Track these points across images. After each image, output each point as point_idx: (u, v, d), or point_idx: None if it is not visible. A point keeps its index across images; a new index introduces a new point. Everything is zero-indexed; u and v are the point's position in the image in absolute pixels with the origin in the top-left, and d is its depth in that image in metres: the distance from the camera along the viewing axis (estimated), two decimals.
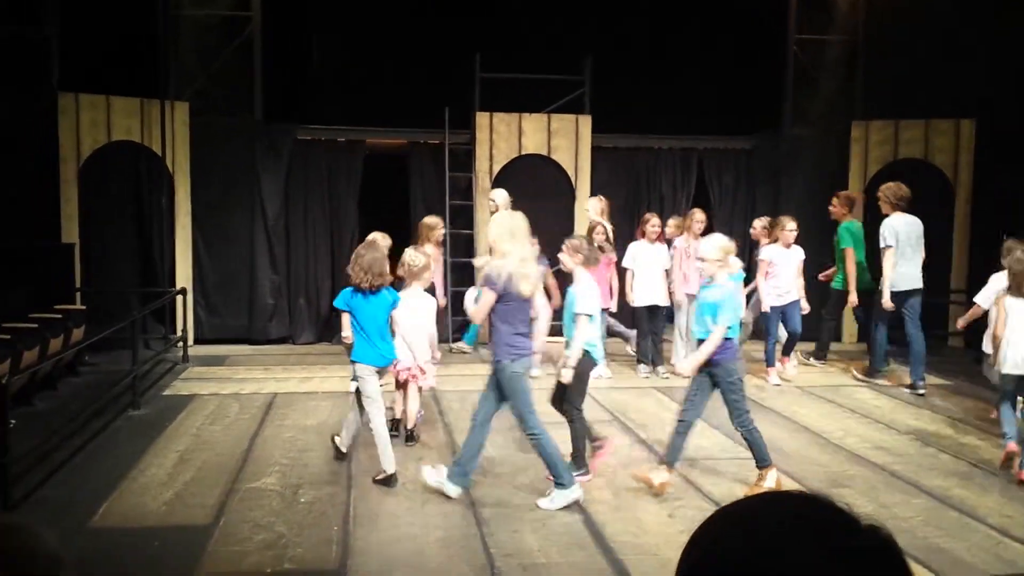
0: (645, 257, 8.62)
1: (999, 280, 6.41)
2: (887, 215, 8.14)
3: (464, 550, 4.50)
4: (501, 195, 8.71)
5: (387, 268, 5.56)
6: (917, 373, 8.11)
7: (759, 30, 11.32)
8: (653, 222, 8.69)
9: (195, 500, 5.15)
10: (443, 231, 8.58)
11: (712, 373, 5.27)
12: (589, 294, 5.47)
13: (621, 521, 4.88)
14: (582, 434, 5.56)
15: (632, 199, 11.19)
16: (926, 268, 8.34)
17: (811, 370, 8.99)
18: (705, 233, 8.86)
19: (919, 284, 8.10)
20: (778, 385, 8.42)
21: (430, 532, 4.71)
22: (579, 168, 10.62)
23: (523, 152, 10.58)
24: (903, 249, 7.99)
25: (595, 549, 4.52)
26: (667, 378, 8.50)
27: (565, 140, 10.61)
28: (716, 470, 5.81)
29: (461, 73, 10.46)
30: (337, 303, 5.61)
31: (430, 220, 8.10)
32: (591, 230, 8.78)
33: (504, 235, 5.11)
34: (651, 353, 8.74)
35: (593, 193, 10.61)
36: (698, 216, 8.83)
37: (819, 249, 9.30)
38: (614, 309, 8.76)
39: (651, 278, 8.58)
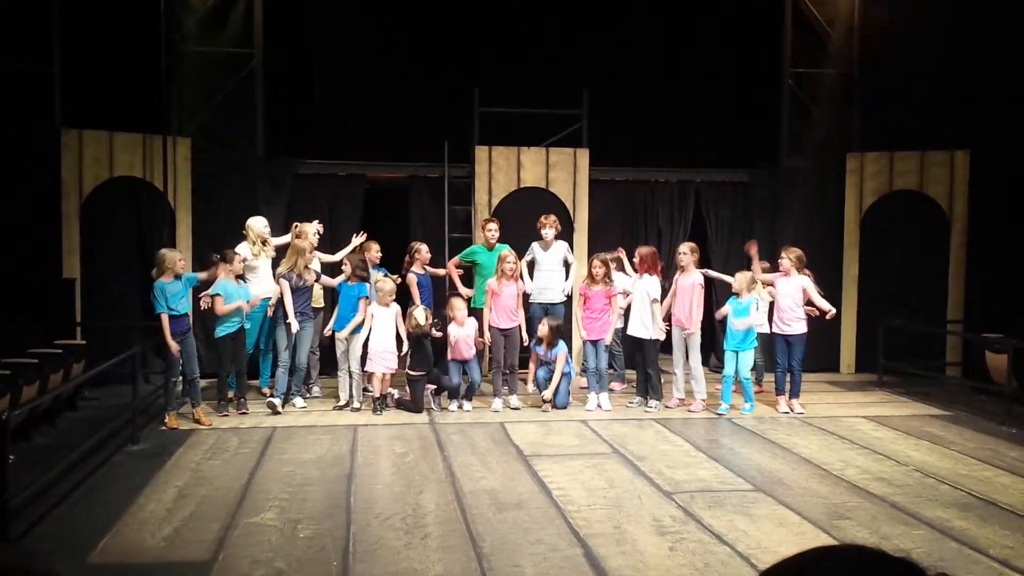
0: (635, 289, 8.67)
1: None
2: None
3: None
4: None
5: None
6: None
7: (755, 63, 11.47)
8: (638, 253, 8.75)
9: (194, 535, 5.13)
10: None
11: None
12: None
13: (622, 555, 4.86)
14: None
15: (630, 232, 11.25)
16: (923, 298, 9.53)
17: (810, 400, 8.98)
18: (700, 265, 8.94)
19: None
20: (786, 413, 8.50)
21: (430, 567, 4.69)
22: (577, 201, 10.69)
23: (522, 185, 10.67)
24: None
25: None
26: (648, 410, 8.54)
27: (563, 173, 10.69)
28: (717, 502, 5.80)
29: (460, 107, 10.58)
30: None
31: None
32: (591, 263, 8.83)
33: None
34: (642, 385, 8.74)
35: (591, 226, 10.72)
36: (684, 249, 8.84)
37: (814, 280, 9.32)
38: (608, 341, 8.78)
39: (640, 310, 8.59)
